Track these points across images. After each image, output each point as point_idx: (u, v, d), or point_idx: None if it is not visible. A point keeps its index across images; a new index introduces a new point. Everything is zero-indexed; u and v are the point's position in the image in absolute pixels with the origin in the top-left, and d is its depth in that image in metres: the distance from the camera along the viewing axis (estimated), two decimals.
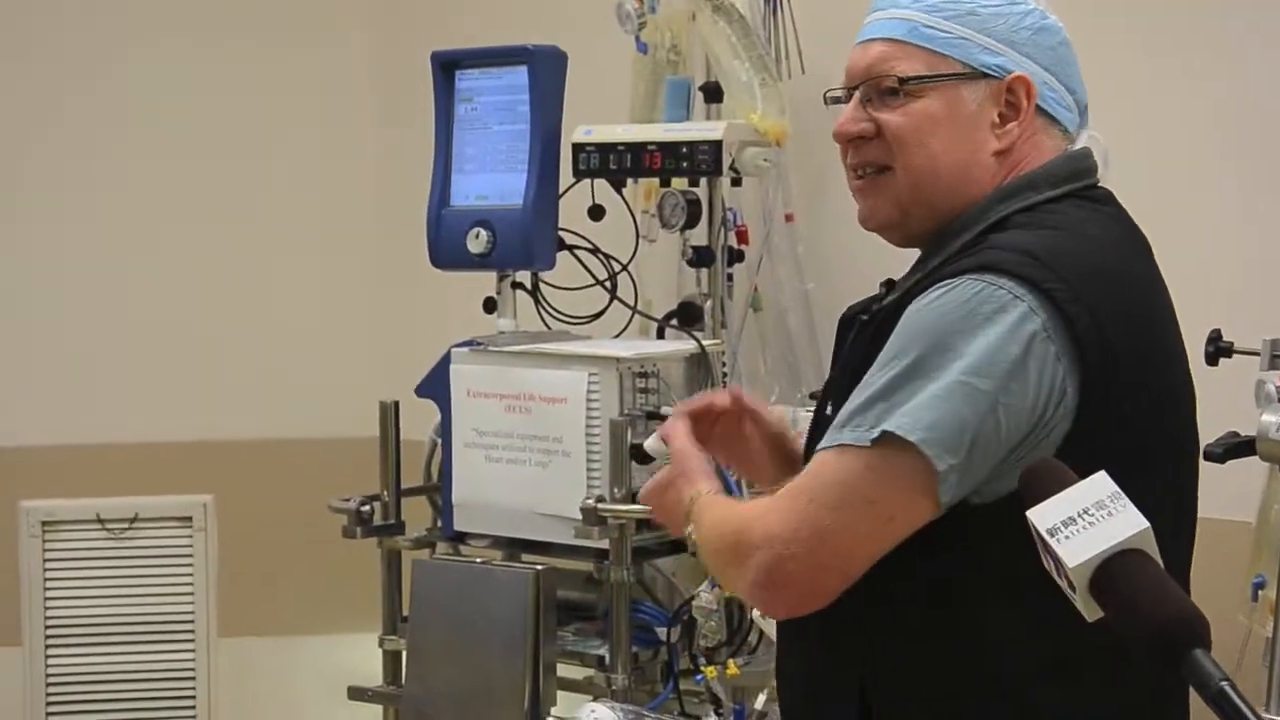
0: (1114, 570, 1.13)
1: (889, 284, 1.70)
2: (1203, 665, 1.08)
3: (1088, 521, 1.15)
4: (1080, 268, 1.48)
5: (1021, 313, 1.44)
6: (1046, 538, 1.17)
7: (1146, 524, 1.14)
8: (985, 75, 1.56)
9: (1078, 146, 1.60)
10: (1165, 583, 1.12)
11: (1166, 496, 1.52)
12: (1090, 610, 1.15)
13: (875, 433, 1.44)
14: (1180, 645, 1.09)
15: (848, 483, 1.46)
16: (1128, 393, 1.48)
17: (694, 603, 2.74)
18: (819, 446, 1.51)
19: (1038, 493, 1.20)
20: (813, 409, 2.67)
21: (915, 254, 1.71)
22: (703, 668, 2.75)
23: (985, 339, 1.43)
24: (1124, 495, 1.16)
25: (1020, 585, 1.40)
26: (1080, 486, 1.18)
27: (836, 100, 1.65)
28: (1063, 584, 1.17)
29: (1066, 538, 1.15)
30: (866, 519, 1.46)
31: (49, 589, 3.48)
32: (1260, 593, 2.22)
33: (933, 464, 1.42)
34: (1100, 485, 1.17)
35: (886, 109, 1.58)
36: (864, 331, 1.61)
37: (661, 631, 2.79)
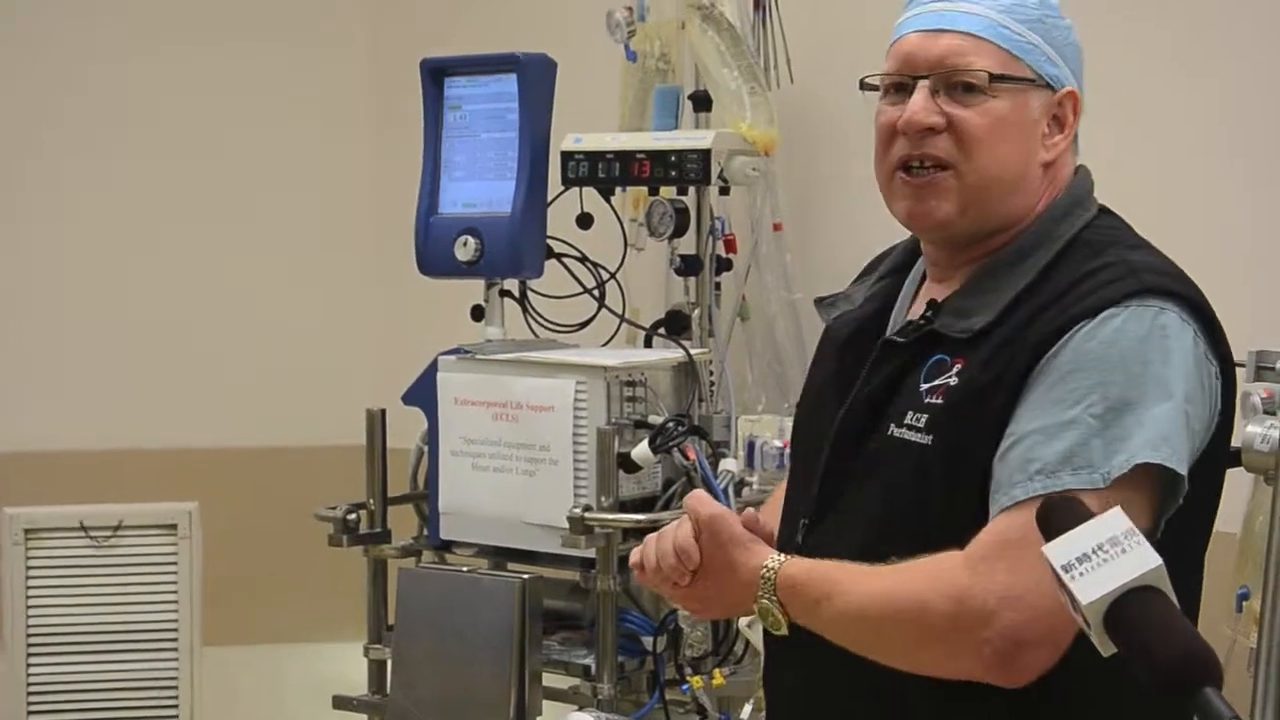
0: (1127, 607, 1.14)
1: (823, 300, 1.70)
2: (1213, 704, 1.08)
3: (1101, 558, 1.16)
4: (1192, 281, 1.53)
5: (1193, 334, 1.48)
6: (1060, 574, 1.17)
7: (1159, 561, 1.15)
8: (1047, 85, 1.55)
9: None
10: (1177, 620, 1.13)
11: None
12: (1105, 646, 1.15)
13: (1116, 468, 1.39)
14: (1192, 683, 1.10)
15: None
16: (1234, 401, 1.56)
17: (680, 612, 2.73)
18: (1012, 499, 1.41)
19: (1054, 527, 1.20)
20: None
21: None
22: (689, 677, 2.75)
23: (1176, 363, 1.45)
24: (1138, 532, 1.16)
25: None
26: (1095, 522, 1.18)
27: (874, 87, 1.60)
28: (1078, 619, 1.17)
29: (1081, 574, 1.16)
30: None
31: (31, 597, 3.46)
32: (1245, 604, 2.23)
33: (1183, 484, 1.42)
34: (1114, 522, 1.18)
35: (960, 105, 1.54)
36: (896, 353, 1.58)
37: (648, 641, 2.78)
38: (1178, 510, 1.45)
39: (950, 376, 1.53)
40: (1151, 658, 1.12)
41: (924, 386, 1.54)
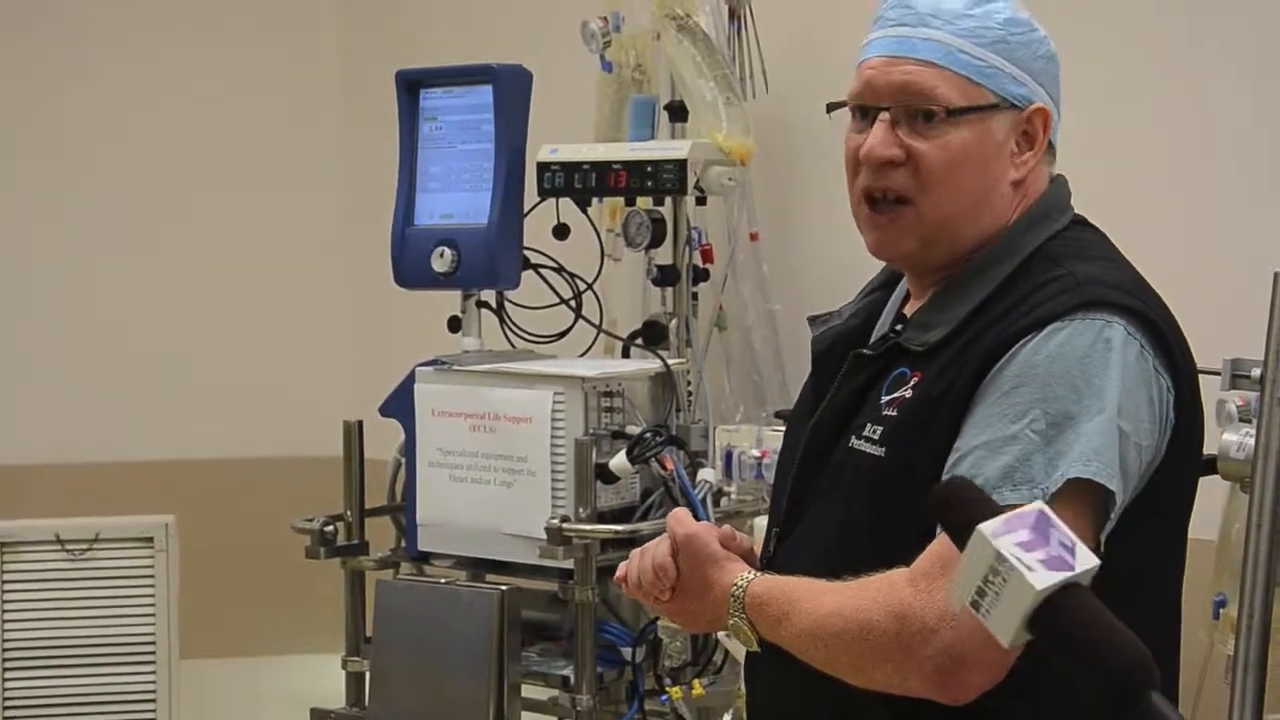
0: (1043, 622, 1.11)
1: (816, 319, 1.70)
2: (1159, 710, 1.08)
3: (994, 592, 1.13)
4: (1152, 293, 1.52)
5: (1139, 348, 1.46)
6: (976, 615, 1.15)
7: (1039, 587, 1.11)
8: (1012, 106, 1.54)
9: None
10: (1099, 624, 1.11)
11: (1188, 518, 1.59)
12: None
13: (1055, 484, 1.39)
14: (1135, 691, 1.08)
15: None
16: (1195, 416, 1.53)
17: (659, 622, 2.73)
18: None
19: (953, 527, 1.19)
20: (778, 428, 2.70)
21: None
22: (668, 688, 2.75)
23: (1118, 377, 1.43)
24: (1006, 556, 1.12)
25: None
26: (969, 552, 1.15)
27: (839, 107, 1.60)
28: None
29: (988, 612, 1.14)
30: None
31: (7, 611, 3.44)
32: (1222, 611, 2.23)
33: (1114, 499, 1.41)
34: (981, 550, 1.14)
35: (919, 137, 1.53)
36: (864, 366, 1.58)
37: (627, 651, 2.78)
38: (1143, 521, 1.44)
39: (907, 389, 1.53)
40: (1091, 671, 1.10)
41: (884, 399, 1.55)
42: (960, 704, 1.40)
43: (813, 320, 1.74)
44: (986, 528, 1.14)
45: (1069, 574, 1.12)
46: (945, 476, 1.43)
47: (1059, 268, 1.51)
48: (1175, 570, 1.60)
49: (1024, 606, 1.12)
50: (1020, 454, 1.41)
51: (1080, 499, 1.40)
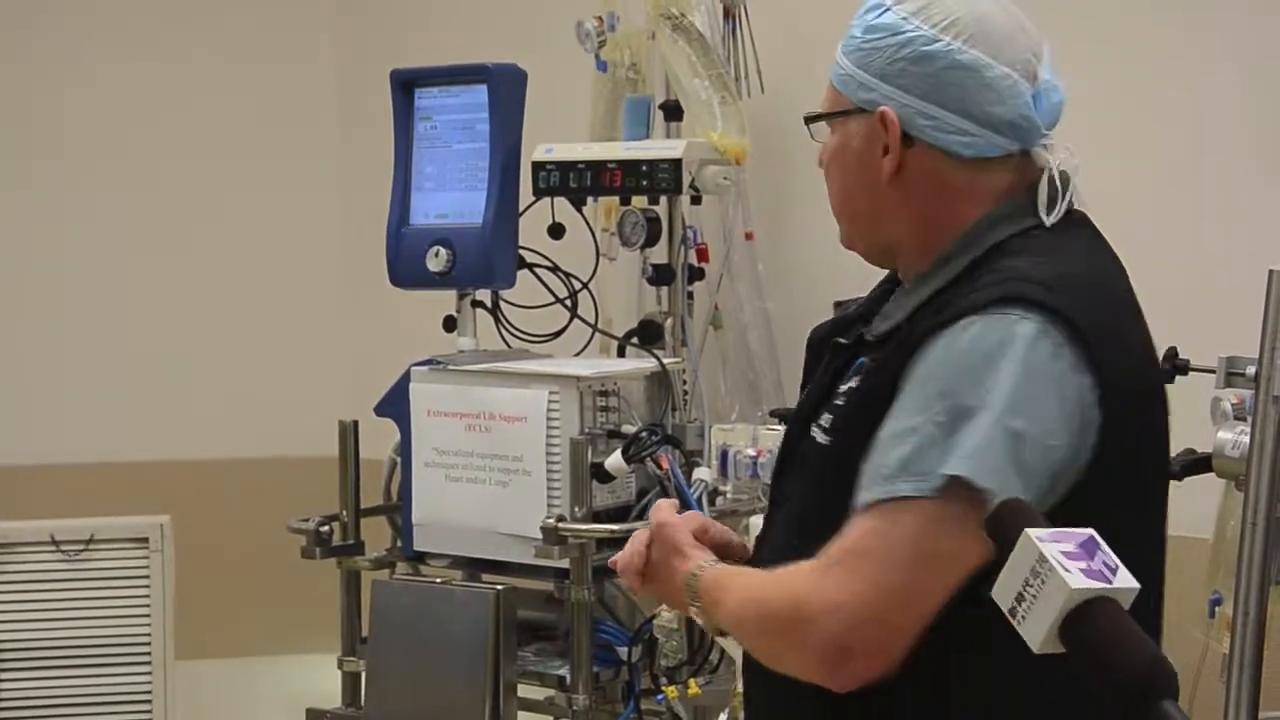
0: (1073, 630, 1.14)
1: (840, 304, 1.71)
2: (1172, 717, 1.09)
3: (1031, 595, 1.16)
4: (1088, 292, 1.49)
5: (1053, 346, 1.44)
6: (1013, 622, 1.18)
7: (1075, 586, 1.14)
8: (863, 110, 1.58)
9: (1057, 164, 1.57)
10: (1124, 635, 1.13)
11: (1157, 519, 1.56)
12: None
13: (940, 479, 1.40)
14: (1150, 698, 1.10)
15: (918, 537, 1.40)
16: (1137, 415, 1.49)
17: (655, 622, 2.73)
18: (861, 502, 1.44)
19: (1002, 539, 1.21)
20: (773, 427, 2.70)
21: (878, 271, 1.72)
22: (664, 687, 2.75)
23: (1024, 376, 1.43)
24: (1048, 558, 1.15)
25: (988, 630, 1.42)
26: (1015, 555, 1.17)
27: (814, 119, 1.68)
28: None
29: (1024, 618, 1.17)
30: (939, 572, 1.40)
31: (1, 612, 3.44)
32: (1217, 609, 2.24)
33: (982, 500, 1.39)
34: (1025, 552, 1.17)
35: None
36: (838, 356, 1.61)
37: (623, 651, 2.78)
38: (1111, 526, 1.41)
39: (856, 379, 1.57)
40: (1106, 677, 1.11)
41: (841, 389, 1.59)
42: (848, 690, 1.45)
43: (836, 306, 1.77)
44: (1034, 532, 1.17)
45: (1105, 585, 1.15)
46: (863, 464, 1.47)
47: (1001, 263, 1.52)
48: (1148, 576, 1.58)
49: (1057, 608, 1.14)
50: (918, 445, 1.42)
51: (963, 497, 1.40)
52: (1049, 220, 1.55)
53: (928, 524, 1.40)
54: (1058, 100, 1.58)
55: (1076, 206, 1.59)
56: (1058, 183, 1.56)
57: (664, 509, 1.67)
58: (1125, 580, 1.16)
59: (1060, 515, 1.40)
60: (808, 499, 1.58)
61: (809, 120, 1.64)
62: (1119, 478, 1.47)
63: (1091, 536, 1.19)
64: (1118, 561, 1.18)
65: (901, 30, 1.56)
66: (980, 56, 1.54)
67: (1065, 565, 1.15)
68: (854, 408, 1.53)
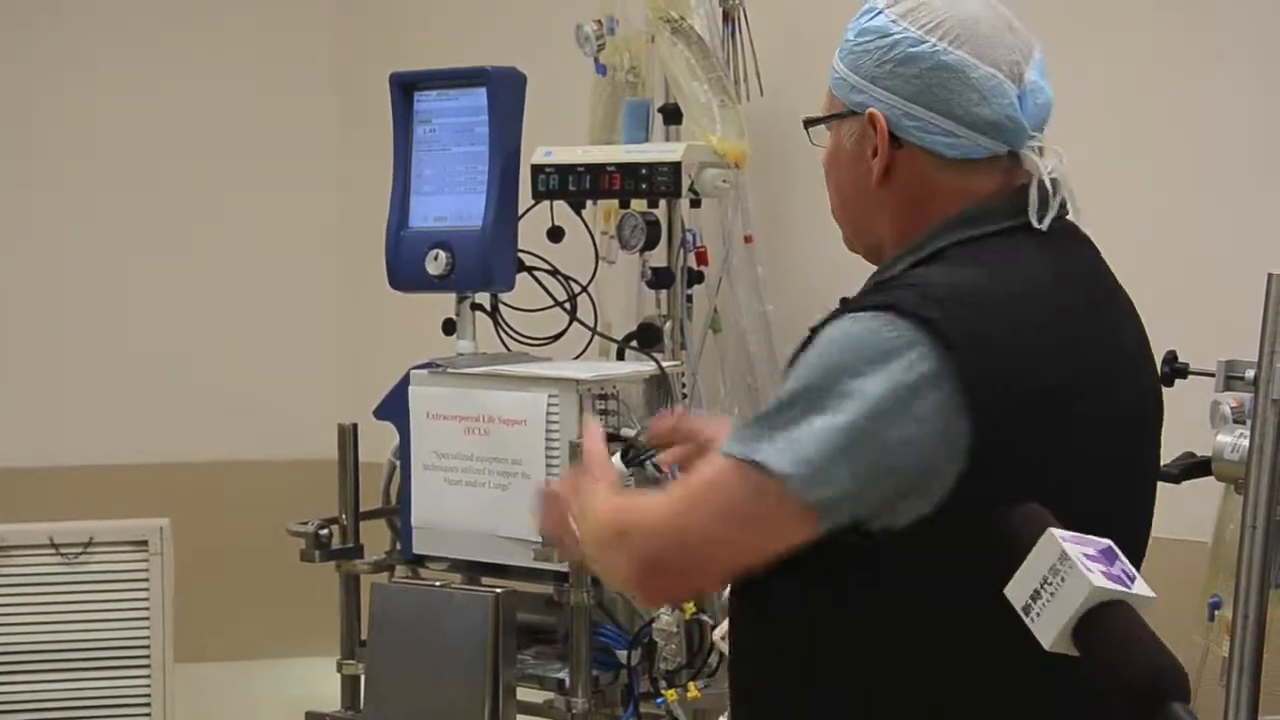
0: (1088, 630, 1.15)
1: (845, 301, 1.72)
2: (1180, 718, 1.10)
3: (1049, 594, 1.17)
4: (985, 306, 1.47)
5: (914, 356, 1.44)
6: (1025, 620, 1.19)
7: (1096, 584, 1.15)
8: (853, 113, 1.59)
9: (1048, 170, 1.55)
10: (1140, 638, 1.14)
11: (1110, 519, 1.45)
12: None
13: (748, 453, 1.46)
14: (1157, 699, 1.11)
15: (723, 491, 1.48)
16: (1034, 427, 1.47)
17: (654, 625, 2.73)
18: (720, 449, 1.53)
19: (1017, 542, 1.21)
20: None
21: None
22: (663, 690, 2.75)
23: (877, 381, 1.43)
24: (1070, 556, 1.17)
25: (915, 620, 1.44)
26: (1035, 553, 1.19)
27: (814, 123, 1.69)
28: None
29: (1037, 615, 1.18)
30: (730, 529, 1.47)
31: (1, 615, 3.43)
32: (1217, 613, 2.24)
33: (800, 496, 1.43)
34: (1047, 550, 1.19)
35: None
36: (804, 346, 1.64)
37: (622, 654, 2.78)
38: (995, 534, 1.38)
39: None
40: (1119, 676, 1.12)
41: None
42: (652, 605, 1.59)
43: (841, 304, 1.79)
44: (1057, 532, 1.19)
45: (1123, 589, 1.16)
46: None
47: (921, 270, 1.53)
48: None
49: (1074, 606, 1.15)
50: (760, 417, 1.48)
51: (777, 482, 1.44)
52: (1042, 225, 1.54)
53: (739, 483, 1.46)
54: (1044, 101, 1.57)
55: (1070, 212, 1.57)
56: (1048, 187, 1.54)
57: (595, 436, 1.72)
58: (1143, 589, 1.17)
59: (940, 520, 1.43)
60: None
61: (807, 124, 1.66)
62: (1006, 487, 1.40)
63: (1110, 546, 1.20)
64: (1135, 571, 1.19)
65: (890, 32, 1.57)
66: (965, 57, 1.54)
67: (1087, 565, 1.16)
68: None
